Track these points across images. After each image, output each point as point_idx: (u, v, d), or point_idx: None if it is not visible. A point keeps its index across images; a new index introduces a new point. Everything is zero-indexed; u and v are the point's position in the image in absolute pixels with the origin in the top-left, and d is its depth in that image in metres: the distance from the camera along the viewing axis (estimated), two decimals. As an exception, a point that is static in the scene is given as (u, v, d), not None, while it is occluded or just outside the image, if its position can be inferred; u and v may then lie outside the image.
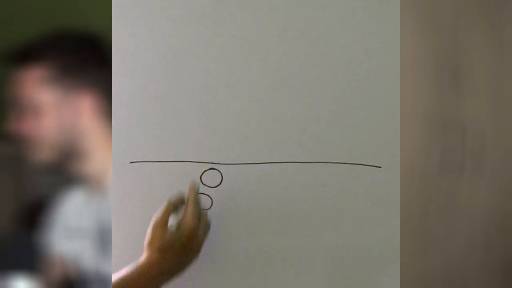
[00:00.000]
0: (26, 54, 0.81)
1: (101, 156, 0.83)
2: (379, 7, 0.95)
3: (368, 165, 0.96)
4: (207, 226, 0.92)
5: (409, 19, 1.02)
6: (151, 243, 0.87)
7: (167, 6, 0.95)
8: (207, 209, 0.95)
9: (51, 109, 0.80)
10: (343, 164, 0.96)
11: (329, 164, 0.96)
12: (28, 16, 1.23)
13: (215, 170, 0.95)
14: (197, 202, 0.90)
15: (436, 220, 1.07)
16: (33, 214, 1.23)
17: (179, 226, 0.87)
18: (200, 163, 0.95)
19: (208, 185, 0.95)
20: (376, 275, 0.97)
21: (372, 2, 0.95)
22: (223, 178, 0.95)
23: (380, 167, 0.96)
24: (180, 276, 0.89)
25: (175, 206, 0.90)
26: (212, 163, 0.95)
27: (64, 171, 0.83)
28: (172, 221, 0.89)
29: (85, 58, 0.81)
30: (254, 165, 0.95)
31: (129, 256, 0.89)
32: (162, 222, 0.88)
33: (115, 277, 0.85)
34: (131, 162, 0.95)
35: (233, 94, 0.95)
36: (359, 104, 0.95)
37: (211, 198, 0.95)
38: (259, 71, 0.95)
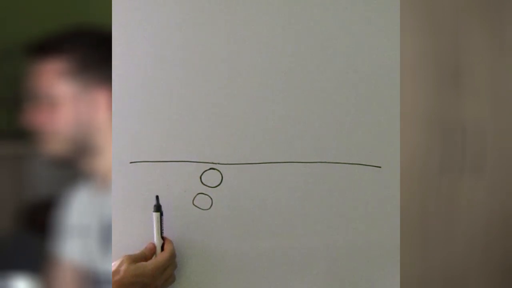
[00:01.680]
0: (46, 47, 0.81)
1: (110, 152, 0.83)
2: (379, 7, 0.95)
3: (368, 165, 0.96)
4: (172, 279, 0.92)
5: (409, 19, 1.02)
6: (112, 275, 0.85)
7: (167, 5, 0.95)
8: (206, 209, 0.95)
9: (67, 102, 0.80)
10: (343, 164, 0.96)
11: (329, 164, 0.96)
12: (28, 11, 1.23)
13: (215, 170, 0.95)
14: (171, 253, 0.91)
15: (436, 220, 1.07)
16: (36, 214, 1.22)
17: (139, 269, 0.86)
18: (200, 163, 0.95)
19: (208, 185, 0.95)
20: (376, 275, 0.97)
21: (372, 2, 0.95)
22: (223, 178, 0.95)
23: (380, 167, 0.96)
24: None
25: (145, 254, 0.90)
26: (212, 163, 0.95)
27: (76, 166, 0.83)
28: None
29: (104, 54, 0.81)
30: (254, 165, 0.95)
31: (129, 256, 0.89)
32: (129, 259, 0.87)
33: None
34: (131, 162, 0.95)
35: (233, 94, 0.95)
36: (359, 104, 0.95)
37: (211, 198, 0.95)
38: (260, 71, 0.95)
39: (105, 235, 0.85)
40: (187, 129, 0.95)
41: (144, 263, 0.88)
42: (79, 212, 0.89)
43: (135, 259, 0.87)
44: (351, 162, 0.96)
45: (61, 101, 0.80)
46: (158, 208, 0.93)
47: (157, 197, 0.93)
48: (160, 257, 0.90)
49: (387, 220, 0.96)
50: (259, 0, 0.95)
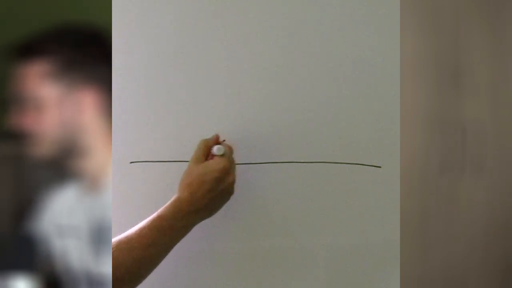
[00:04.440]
0: (29, 48, 0.80)
1: (101, 153, 0.82)
2: (379, 7, 0.95)
3: (368, 165, 0.96)
4: (235, 169, 0.90)
5: (409, 19, 1.02)
6: (182, 180, 0.86)
7: (167, 4, 0.95)
8: None
9: (53, 104, 0.80)
10: (343, 164, 0.96)
11: (329, 164, 0.96)
12: (27, 11, 1.23)
13: (215, 170, 0.95)
14: (230, 147, 0.89)
15: (436, 220, 1.07)
16: (27, 211, 1.22)
17: (210, 163, 0.86)
18: (200, 163, 0.95)
19: (208, 185, 0.95)
20: (376, 275, 0.97)
21: (372, 2, 0.95)
22: (223, 178, 0.95)
23: (380, 167, 0.96)
24: (212, 215, 0.88)
25: (208, 144, 0.89)
26: (212, 163, 0.95)
27: (64, 168, 0.83)
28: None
29: (88, 53, 0.81)
30: (254, 165, 0.95)
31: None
32: (194, 159, 0.87)
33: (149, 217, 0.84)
34: (131, 162, 0.95)
35: (233, 94, 0.95)
36: (359, 104, 0.95)
37: (211, 198, 0.95)
38: (259, 71, 0.95)
39: (97, 236, 0.85)
40: (187, 129, 0.95)
41: (213, 161, 0.86)
42: (67, 212, 0.88)
43: (198, 155, 0.87)
44: (351, 162, 0.96)
45: (46, 103, 0.80)
46: None
47: None
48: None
49: (387, 220, 0.96)
50: (259, 0, 0.95)
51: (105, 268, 0.83)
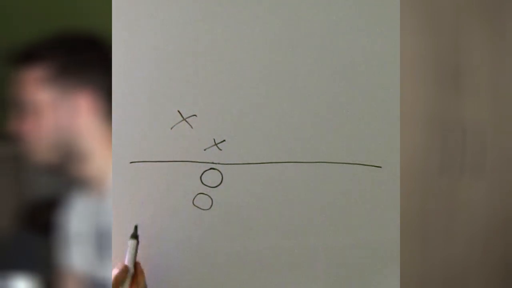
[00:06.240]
0: (27, 55, 0.81)
1: (101, 157, 0.82)
2: (379, 6, 0.95)
3: (368, 165, 0.96)
4: None
5: (409, 19, 1.02)
6: None
7: (167, 6, 0.95)
8: (207, 209, 0.95)
9: (48, 109, 0.80)
10: (343, 164, 0.96)
11: (329, 164, 0.96)
12: (28, 16, 1.24)
13: (215, 170, 0.95)
14: (141, 272, 0.89)
15: (436, 220, 1.07)
16: (35, 215, 1.22)
17: None
18: (200, 163, 0.95)
19: (208, 185, 0.95)
20: (376, 275, 0.97)
21: (372, 2, 0.95)
22: (223, 178, 0.95)
23: (380, 167, 0.96)
24: None
25: (118, 279, 0.88)
26: (212, 163, 0.95)
27: (64, 172, 0.83)
28: None
29: (83, 58, 0.81)
30: (254, 165, 0.95)
31: (129, 256, 0.89)
32: None
33: None
34: (131, 162, 0.95)
35: (233, 94, 0.95)
36: (359, 104, 0.95)
37: (211, 198, 0.95)
38: (259, 71, 0.95)
39: (102, 241, 0.85)
40: (187, 129, 0.95)
41: None
42: (76, 218, 0.89)
43: None
44: (351, 162, 0.96)
45: (42, 108, 0.80)
46: (135, 236, 0.92)
47: (136, 226, 0.92)
48: None
49: (387, 220, 0.96)
50: (259, 0, 0.95)
51: (108, 272, 0.83)
